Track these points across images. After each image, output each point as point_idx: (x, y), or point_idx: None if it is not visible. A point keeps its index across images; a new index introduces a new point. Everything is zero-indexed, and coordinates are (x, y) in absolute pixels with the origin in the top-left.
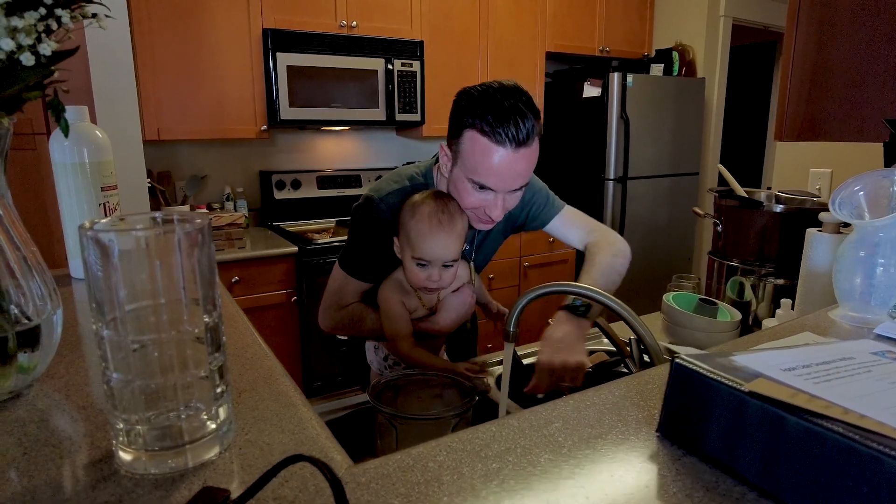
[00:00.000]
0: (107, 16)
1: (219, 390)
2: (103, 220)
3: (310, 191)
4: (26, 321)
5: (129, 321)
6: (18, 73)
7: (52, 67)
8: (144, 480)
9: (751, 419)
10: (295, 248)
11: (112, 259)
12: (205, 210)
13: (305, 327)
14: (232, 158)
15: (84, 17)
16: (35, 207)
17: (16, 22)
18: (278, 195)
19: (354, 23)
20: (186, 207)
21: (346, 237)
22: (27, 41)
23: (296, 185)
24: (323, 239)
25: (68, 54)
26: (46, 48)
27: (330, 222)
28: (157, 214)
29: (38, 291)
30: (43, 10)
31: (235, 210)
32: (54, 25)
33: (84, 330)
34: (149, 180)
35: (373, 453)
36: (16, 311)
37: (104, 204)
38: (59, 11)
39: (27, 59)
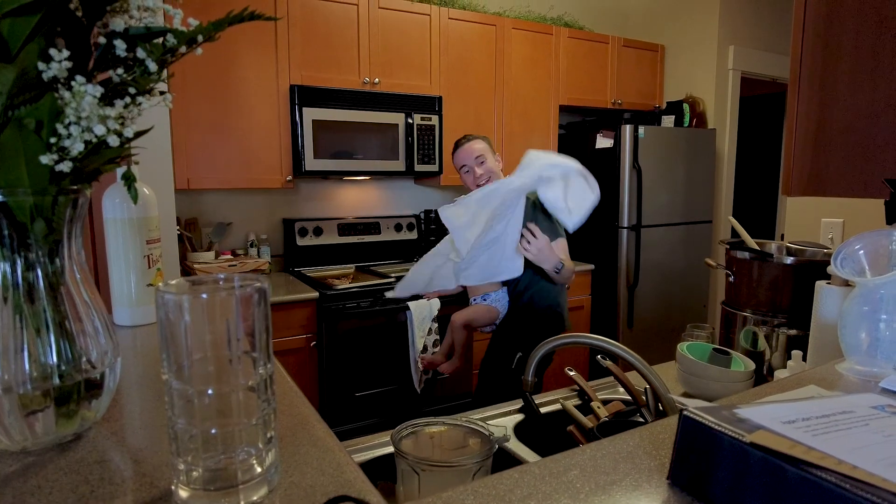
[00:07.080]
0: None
1: (268, 436)
2: (174, 282)
3: (331, 237)
4: (92, 369)
5: (194, 373)
6: (103, 151)
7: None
8: None
9: (753, 468)
10: (315, 294)
11: (184, 318)
12: (229, 256)
13: (324, 372)
14: (256, 206)
15: (153, 96)
16: None
17: (108, 111)
18: (300, 242)
19: (377, 79)
20: (212, 254)
21: (364, 283)
22: (114, 126)
23: (318, 231)
24: (343, 284)
25: (143, 133)
26: (130, 131)
27: (349, 268)
28: (220, 276)
29: (103, 342)
30: (128, 99)
31: (259, 256)
32: (136, 112)
33: (131, 375)
34: (177, 227)
35: (393, 499)
36: (84, 359)
37: (148, 256)
38: (140, 99)
39: (113, 141)
